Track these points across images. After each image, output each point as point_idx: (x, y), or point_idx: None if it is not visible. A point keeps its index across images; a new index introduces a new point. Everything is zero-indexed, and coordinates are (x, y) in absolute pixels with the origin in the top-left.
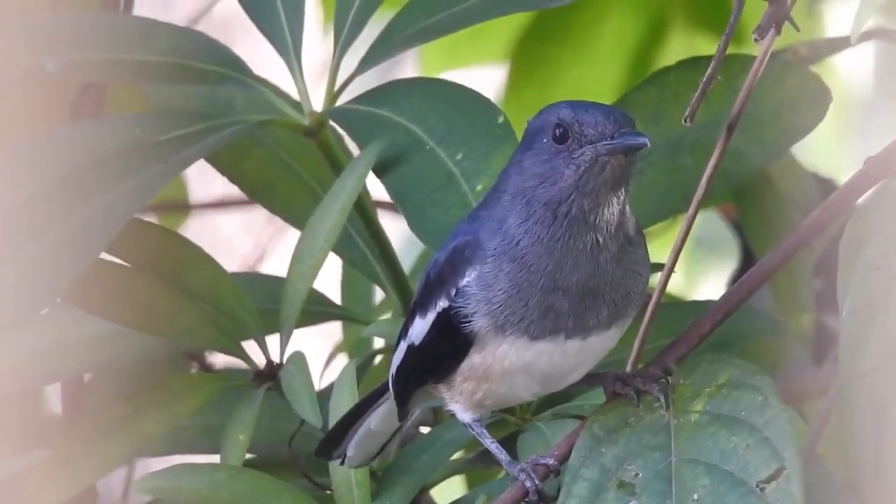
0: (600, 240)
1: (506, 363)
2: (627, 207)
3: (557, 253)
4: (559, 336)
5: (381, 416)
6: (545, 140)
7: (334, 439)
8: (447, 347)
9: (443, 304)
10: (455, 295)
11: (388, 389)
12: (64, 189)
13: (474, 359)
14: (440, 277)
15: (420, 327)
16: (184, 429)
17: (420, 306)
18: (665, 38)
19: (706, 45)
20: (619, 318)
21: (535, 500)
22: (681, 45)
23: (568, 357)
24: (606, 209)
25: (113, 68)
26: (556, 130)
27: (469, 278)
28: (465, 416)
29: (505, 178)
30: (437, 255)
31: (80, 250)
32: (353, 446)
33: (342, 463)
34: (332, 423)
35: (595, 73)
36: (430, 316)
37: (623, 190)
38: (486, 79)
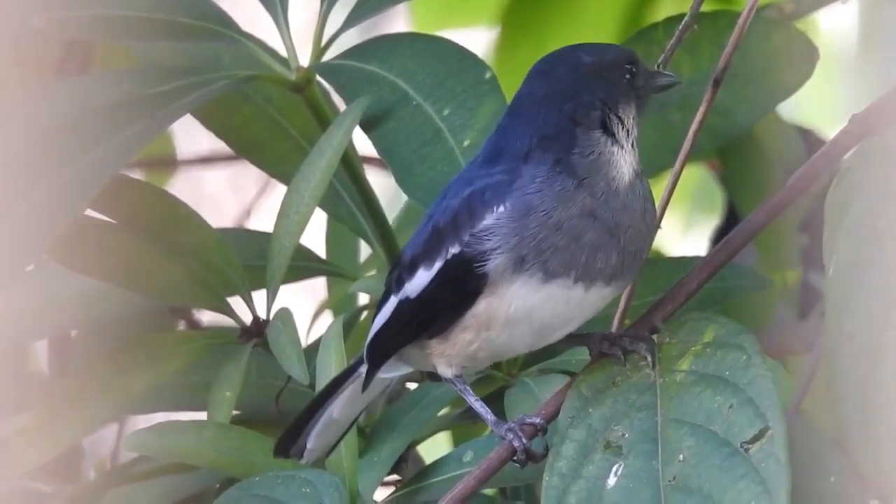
0: (626, 179)
1: (511, 308)
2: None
3: (585, 190)
4: (569, 277)
5: (344, 403)
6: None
7: (293, 435)
8: (450, 297)
9: (454, 250)
10: (471, 238)
11: (348, 377)
12: (49, 145)
13: (480, 306)
14: (453, 224)
15: (421, 279)
16: (170, 386)
17: (424, 259)
18: (656, 1)
19: None
20: (620, 277)
21: (522, 458)
22: (673, 7)
23: (570, 307)
24: (627, 154)
25: (100, 25)
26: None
27: (494, 216)
28: (447, 371)
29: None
30: (447, 203)
31: (64, 206)
32: (314, 438)
33: (300, 458)
34: (318, 381)
35: (585, 36)
36: (438, 265)
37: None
38: (477, 43)
